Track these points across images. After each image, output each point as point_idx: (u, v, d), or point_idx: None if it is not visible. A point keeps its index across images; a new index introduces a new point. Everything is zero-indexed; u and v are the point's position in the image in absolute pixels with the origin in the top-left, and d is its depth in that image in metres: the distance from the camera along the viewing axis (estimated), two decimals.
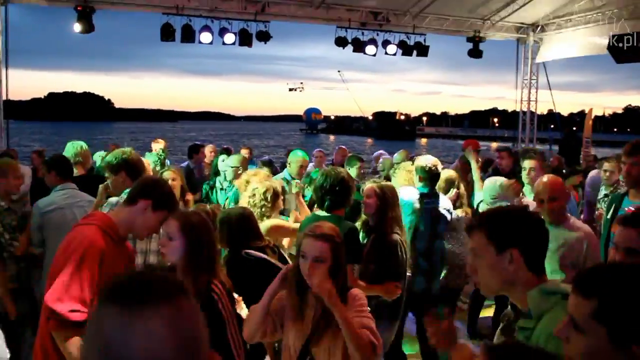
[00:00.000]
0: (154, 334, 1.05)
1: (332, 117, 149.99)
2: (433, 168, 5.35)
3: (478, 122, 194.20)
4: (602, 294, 1.48)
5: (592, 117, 15.45)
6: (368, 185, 4.70)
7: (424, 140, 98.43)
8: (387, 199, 4.56)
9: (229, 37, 12.48)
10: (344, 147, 10.63)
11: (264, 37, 12.55)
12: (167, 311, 1.08)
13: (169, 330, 1.06)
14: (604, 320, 1.46)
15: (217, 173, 7.56)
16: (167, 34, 12.12)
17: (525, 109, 16.48)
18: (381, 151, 10.65)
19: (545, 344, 1.88)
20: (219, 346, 2.98)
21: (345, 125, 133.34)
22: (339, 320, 2.73)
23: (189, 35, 12.22)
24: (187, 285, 1.16)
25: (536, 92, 16.23)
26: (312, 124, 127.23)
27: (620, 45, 11.99)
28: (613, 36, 12.09)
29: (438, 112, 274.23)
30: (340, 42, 13.36)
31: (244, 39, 12.54)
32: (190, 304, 1.13)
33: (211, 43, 12.47)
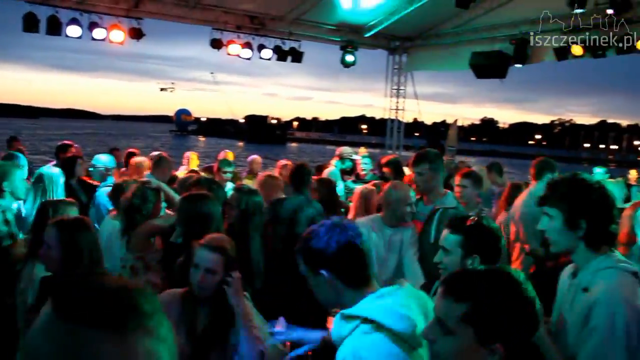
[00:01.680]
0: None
1: (203, 119, 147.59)
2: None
3: (347, 128, 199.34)
4: (472, 299, 1.59)
5: (456, 126, 16.34)
6: (232, 193, 4.67)
7: (294, 145, 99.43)
8: (249, 207, 4.56)
9: (99, 33, 11.92)
10: (228, 151, 10.49)
11: (137, 34, 12.15)
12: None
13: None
14: (472, 322, 1.58)
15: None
16: (30, 24, 11.31)
17: (393, 117, 17.12)
18: (255, 156, 10.66)
19: None
20: None
21: (216, 127, 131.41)
22: (243, 324, 2.79)
23: (54, 28, 11.47)
24: None
25: (404, 101, 16.90)
26: (182, 125, 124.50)
27: (480, 62, 12.86)
28: (474, 53, 12.94)
29: (309, 117, 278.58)
30: (215, 44, 13.22)
31: (115, 35, 12.07)
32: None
33: (80, 37, 11.87)
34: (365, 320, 1.94)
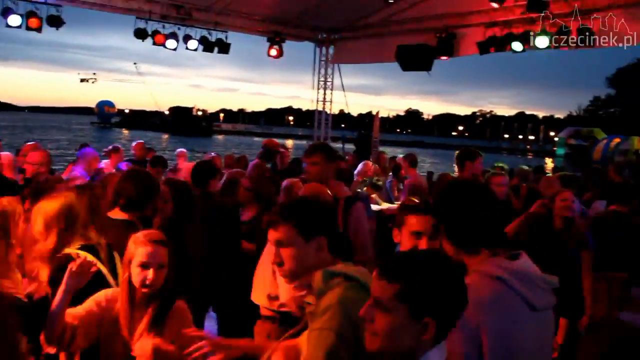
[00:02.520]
0: None
1: (127, 111, 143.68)
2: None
3: (274, 119, 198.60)
4: (404, 278, 1.71)
5: (378, 118, 16.56)
6: (163, 187, 4.56)
7: (220, 137, 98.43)
8: (182, 200, 4.49)
9: (14, 19, 11.32)
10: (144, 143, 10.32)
11: (56, 22, 11.68)
12: None
13: None
14: (405, 300, 1.70)
15: None
16: None
17: (320, 109, 17.23)
18: (182, 149, 10.53)
19: (320, 315, 2.12)
20: None
21: (140, 119, 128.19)
22: None
23: None
24: None
25: (331, 93, 17.03)
26: (105, 118, 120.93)
27: (406, 54, 13.10)
28: (400, 46, 13.16)
29: (235, 109, 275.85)
30: (140, 34, 12.90)
31: (33, 22, 11.55)
32: None
33: None
34: (348, 278, 2.19)
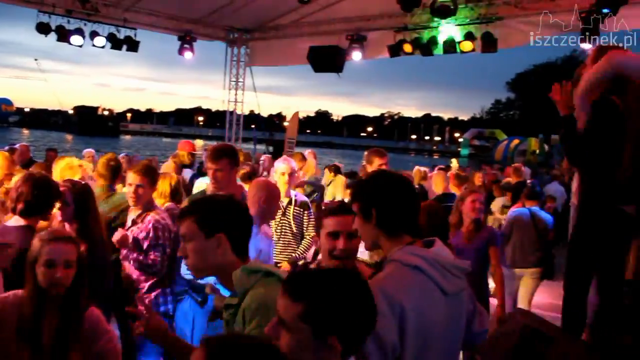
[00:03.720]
0: None
1: (27, 110, 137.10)
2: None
3: (183, 120, 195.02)
4: (308, 299, 1.69)
5: (297, 119, 16.72)
6: (63, 189, 4.35)
7: (128, 137, 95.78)
8: (84, 201, 4.32)
9: None
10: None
11: None
12: None
13: None
14: (309, 321, 1.67)
15: None
16: None
17: (231, 109, 17.12)
18: (90, 149, 10.21)
19: (249, 319, 2.11)
20: None
21: (41, 118, 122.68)
22: None
23: None
24: None
25: (242, 93, 16.96)
26: (1, 117, 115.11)
27: (318, 56, 13.25)
28: (312, 48, 13.29)
29: (143, 109, 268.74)
30: (42, 28, 12.34)
31: None
32: None
33: None
34: (267, 274, 2.21)
